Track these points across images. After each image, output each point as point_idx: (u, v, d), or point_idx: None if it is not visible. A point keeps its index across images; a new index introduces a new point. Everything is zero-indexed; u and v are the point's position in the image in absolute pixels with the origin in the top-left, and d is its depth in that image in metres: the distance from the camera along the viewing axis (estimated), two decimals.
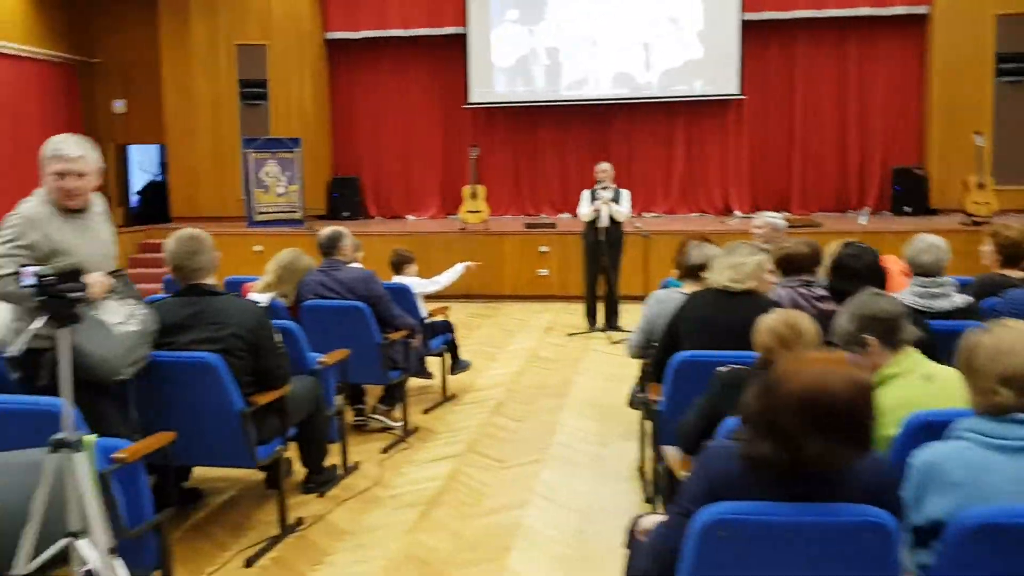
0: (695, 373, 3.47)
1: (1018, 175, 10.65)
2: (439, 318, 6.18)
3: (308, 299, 5.19)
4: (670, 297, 4.30)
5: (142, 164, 14.29)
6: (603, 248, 8.03)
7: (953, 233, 9.35)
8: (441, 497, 4.41)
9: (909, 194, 11.32)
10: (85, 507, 2.18)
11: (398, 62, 12.69)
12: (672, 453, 3.02)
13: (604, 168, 8.25)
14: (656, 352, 3.93)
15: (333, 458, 4.64)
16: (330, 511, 4.26)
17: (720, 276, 3.76)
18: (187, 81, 12.31)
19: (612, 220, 8.06)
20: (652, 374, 3.89)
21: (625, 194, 8.31)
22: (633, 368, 6.77)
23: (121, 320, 3.36)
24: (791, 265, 4.28)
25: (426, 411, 5.88)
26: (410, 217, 12.84)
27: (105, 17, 13.06)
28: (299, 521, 4.10)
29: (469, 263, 6.85)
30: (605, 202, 7.99)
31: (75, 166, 3.36)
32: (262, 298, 5.10)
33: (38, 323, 2.41)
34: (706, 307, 3.78)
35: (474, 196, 10.55)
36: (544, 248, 10.16)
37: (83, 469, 2.16)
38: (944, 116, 11.11)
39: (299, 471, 4.53)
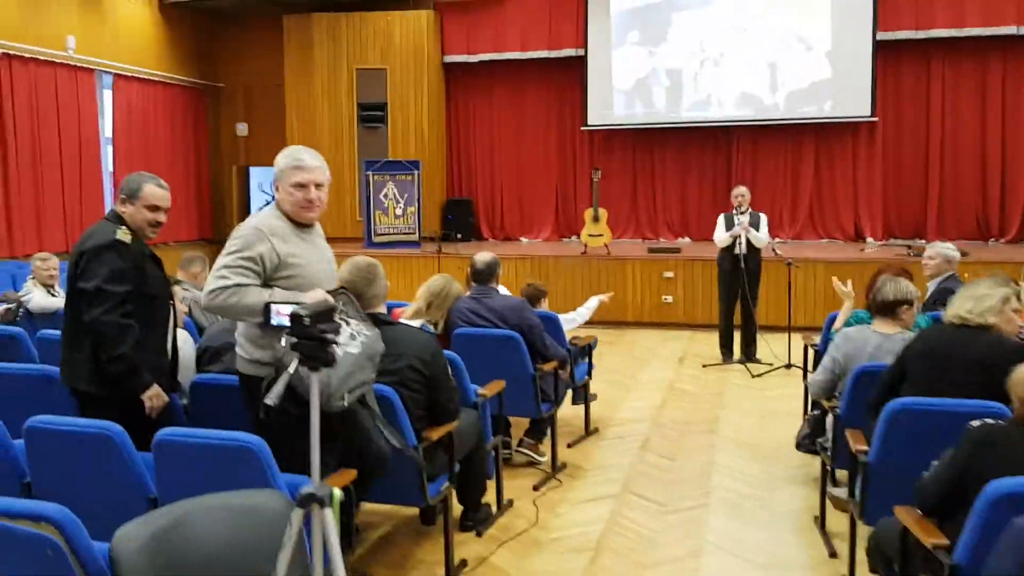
0: (916, 423, 3.15)
1: None
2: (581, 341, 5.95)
3: (459, 326, 5.04)
4: (863, 337, 3.98)
5: (262, 185, 14.56)
6: (741, 276, 7.69)
7: None
8: (606, 542, 4.16)
9: None
10: (334, 565, 2.01)
11: (514, 84, 12.63)
12: (906, 514, 2.72)
13: (742, 192, 7.91)
14: (877, 393, 3.58)
15: (488, 495, 4.45)
16: (492, 552, 4.06)
17: (958, 308, 3.44)
18: (309, 104, 12.49)
19: (750, 246, 7.72)
20: (868, 415, 3.56)
21: (763, 219, 7.96)
22: (781, 404, 6.46)
23: (342, 341, 2.99)
24: None
25: (570, 445, 5.66)
26: (523, 239, 12.70)
27: (231, 43, 13.41)
28: (463, 563, 3.92)
29: (603, 296, 6.59)
30: (745, 228, 7.66)
31: (315, 176, 3.29)
32: (413, 324, 4.98)
33: (291, 366, 2.23)
34: (939, 342, 3.45)
35: (596, 219, 10.32)
36: (669, 274, 9.86)
37: (331, 525, 2.00)
38: None
39: (455, 507, 4.35)
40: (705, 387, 7.13)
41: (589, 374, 5.96)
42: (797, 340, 7.61)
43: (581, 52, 12.08)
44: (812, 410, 4.83)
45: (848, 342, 4.02)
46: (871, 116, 11.33)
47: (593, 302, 6.42)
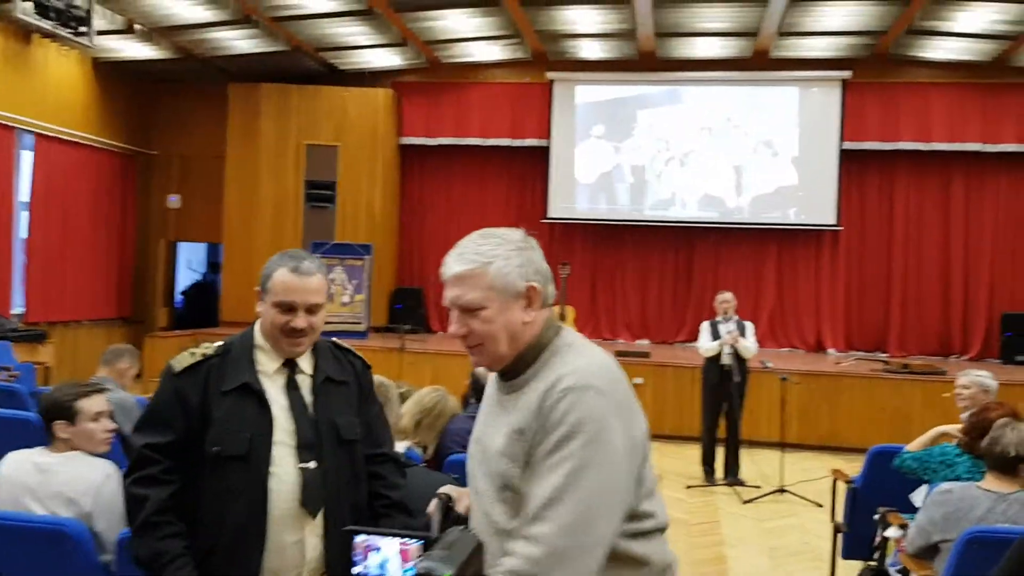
0: None
1: None
2: None
3: (454, 452, 4.24)
4: (970, 496, 3.34)
5: (190, 263, 13.56)
6: (728, 388, 7.12)
7: None
8: None
9: (1021, 341, 10.46)
10: None
11: (474, 171, 12.11)
12: None
13: (727, 298, 7.44)
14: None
15: None
16: None
17: None
18: (251, 178, 11.67)
19: (737, 356, 7.18)
20: None
21: (749, 328, 7.49)
22: (786, 539, 5.79)
23: None
24: None
25: None
26: None
27: (168, 109, 12.56)
28: None
29: None
30: (734, 337, 7.13)
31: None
32: (397, 447, 4.18)
33: None
34: None
35: (562, 318, 9.66)
36: (638, 380, 9.24)
37: None
38: None
39: None
40: (696, 514, 6.45)
41: None
42: (793, 461, 7.07)
43: (544, 143, 11.67)
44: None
45: (949, 500, 3.38)
46: (835, 225, 11.15)
47: None
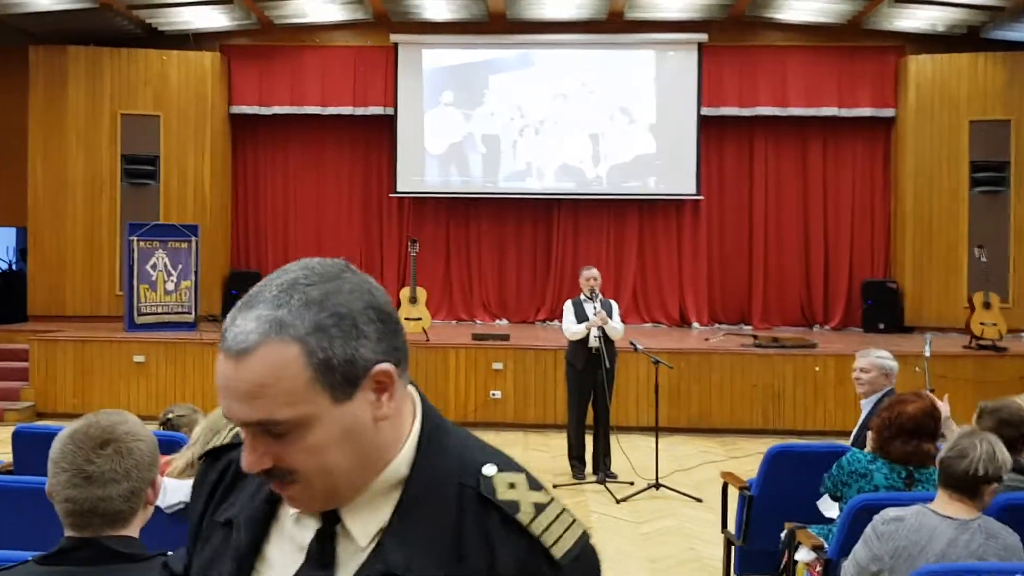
0: None
1: (1000, 291, 9.87)
2: None
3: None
4: (927, 526, 2.67)
5: None
6: (598, 374, 6.54)
7: (961, 358, 8.45)
8: None
9: (881, 309, 10.42)
10: None
11: (314, 142, 11.11)
12: None
13: (594, 275, 6.82)
14: None
15: None
16: None
17: None
18: (59, 153, 10.30)
19: (606, 339, 6.60)
20: None
21: (615, 307, 6.91)
22: (670, 548, 5.20)
23: None
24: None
25: None
26: None
27: None
28: None
29: None
30: (602, 319, 6.53)
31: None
32: (181, 487, 3.30)
33: None
34: None
35: (413, 300, 8.90)
36: (498, 365, 8.58)
37: None
38: (918, 226, 10.32)
39: None
40: None
41: None
42: (663, 447, 6.58)
43: (390, 111, 10.79)
44: None
45: (899, 532, 2.69)
46: (696, 194, 10.79)
47: None
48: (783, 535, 3.71)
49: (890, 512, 2.73)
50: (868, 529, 2.76)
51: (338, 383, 1.00)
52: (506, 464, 1.10)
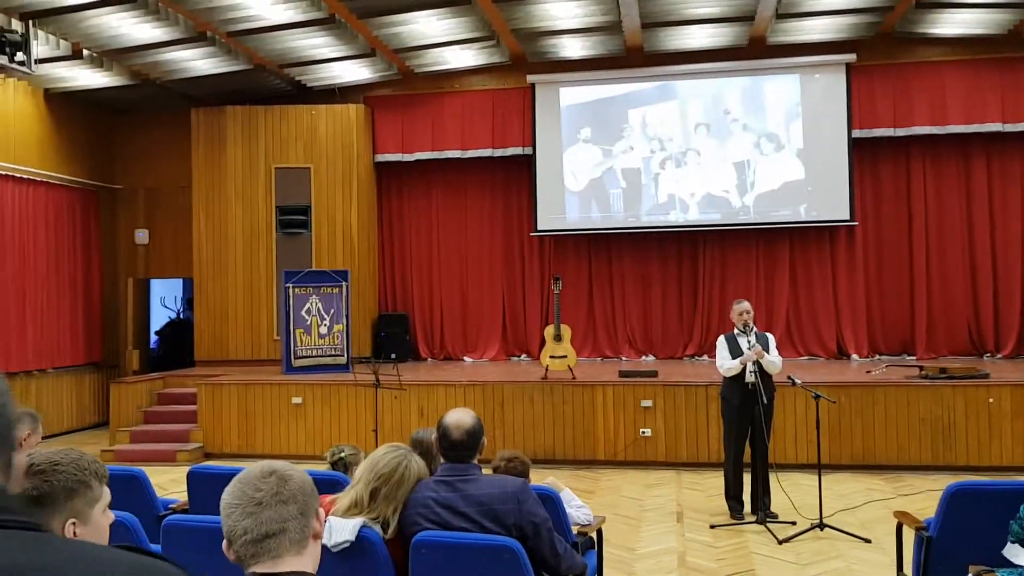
0: None
1: None
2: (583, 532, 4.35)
3: (420, 528, 3.38)
4: None
5: (164, 300, 12.77)
6: (755, 411, 6.25)
7: None
8: None
9: None
10: None
11: (455, 186, 11.33)
12: None
13: (747, 308, 6.55)
14: None
15: None
16: None
17: None
18: (219, 208, 10.90)
19: (762, 373, 6.31)
20: None
21: (771, 340, 6.60)
22: None
23: None
24: None
25: None
26: (467, 359, 11.17)
27: (130, 140, 11.83)
28: None
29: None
30: (758, 353, 6.26)
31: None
32: (346, 525, 3.31)
33: None
34: None
35: (558, 338, 8.84)
36: (647, 402, 8.37)
37: None
38: None
39: None
40: (727, 562, 5.55)
41: (599, 570, 4.35)
42: (826, 486, 6.21)
43: (528, 150, 10.87)
44: None
45: None
46: (850, 220, 10.31)
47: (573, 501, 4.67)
48: None
49: None
50: None
51: None
52: None
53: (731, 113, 10.54)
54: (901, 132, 10.19)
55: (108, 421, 9.98)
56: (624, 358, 10.84)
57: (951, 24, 9.72)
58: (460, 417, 3.51)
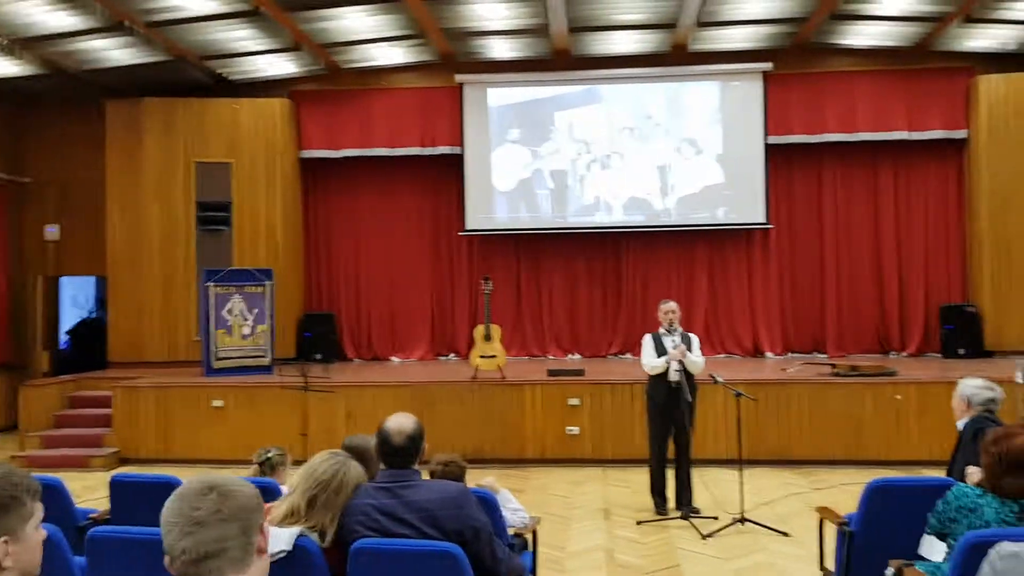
0: None
1: None
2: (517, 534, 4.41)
3: (359, 536, 3.38)
4: None
5: (75, 299, 12.34)
6: (679, 408, 6.42)
7: None
8: None
9: (961, 334, 10.12)
10: None
11: (383, 184, 11.26)
12: None
13: (672, 308, 6.73)
14: None
15: None
16: None
17: None
18: (136, 203, 10.59)
19: (685, 372, 6.49)
20: None
21: (695, 340, 6.79)
22: None
23: None
24: None
25: None
26: (395, 359, 11.13)
27: (41, 134, 11.39)
28: None
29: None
30: (682, 352, 6.44)
31: None
32: (282, 534, 3.29)
33: None
34: None
35: (488, 338, 8.88)
36: (574, 401, 8.50)
37: None
38: (995, 247, 10.03)
39: None
40: (653, 558, 5.69)
41: (533, 571, 4.42)
42: (744, 480, 6.40)
43: (457, 150, 10.88)
44: None
45: (1018, 568, 2.56)
46: (765, 223, 10.66)
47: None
48: (889, 573, 3.57)
49: (1007, 547, 2.57)
50: (985, 566, 2.60)
51: None
52: None
53: (653, 117, 10.76)
54: (814, 139, 10.59)
55: (17, 425, 9.61)
56: (551, 356, 10.97)
57: (863, 36, 10.14)
58: (401, 422, 3.51)
